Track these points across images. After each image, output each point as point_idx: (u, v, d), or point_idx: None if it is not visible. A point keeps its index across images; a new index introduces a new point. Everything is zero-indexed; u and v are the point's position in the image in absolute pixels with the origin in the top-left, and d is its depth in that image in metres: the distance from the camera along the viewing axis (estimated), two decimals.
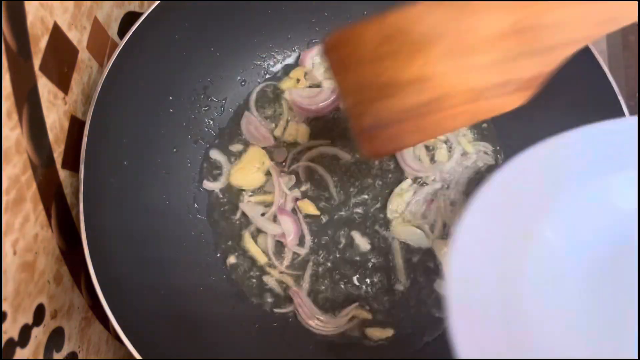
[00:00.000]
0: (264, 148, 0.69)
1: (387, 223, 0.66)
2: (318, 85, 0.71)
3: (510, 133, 0.68)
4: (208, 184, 0.67)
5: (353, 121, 0.47)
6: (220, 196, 0.67)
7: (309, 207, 0.66)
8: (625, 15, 0.39)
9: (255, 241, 0.66)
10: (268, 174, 0.68)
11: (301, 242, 0.65)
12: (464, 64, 0.41)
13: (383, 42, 0.40)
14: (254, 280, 0.65)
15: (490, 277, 0.36)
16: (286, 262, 0.65)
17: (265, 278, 0.65)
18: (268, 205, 0.67)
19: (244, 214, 0.66)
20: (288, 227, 0.65)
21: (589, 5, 0.39)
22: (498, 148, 0.69)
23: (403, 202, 0.66)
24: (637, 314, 0.34)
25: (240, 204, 0.67)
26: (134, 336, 0.50)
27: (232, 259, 0.65)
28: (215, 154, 0.68)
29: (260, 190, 0.68)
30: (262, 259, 0.65)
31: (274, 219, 0.66)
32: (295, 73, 0.71)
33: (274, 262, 0.65)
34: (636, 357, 0.33)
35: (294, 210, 0.66)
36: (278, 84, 0.71)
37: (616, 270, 0.37)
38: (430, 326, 0.63)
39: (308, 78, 0.71)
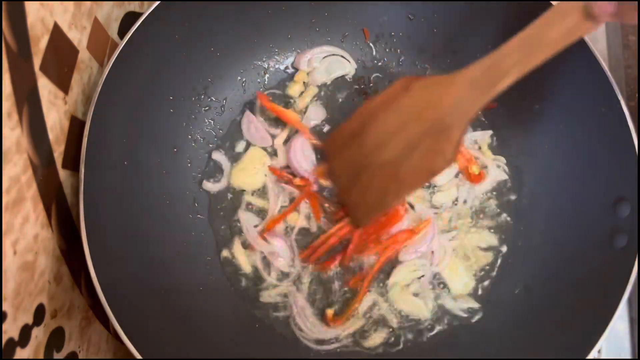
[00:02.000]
0: (263, 149, 0.69)
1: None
2: (322, 85, 0.71)
3: (511, 134, 0.68)
4: (208, 185, 0.67)
5: (341, 198, 0.65)
6: (221, 196, 0.67)
7: (300, 221, 0.66)
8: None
9: (245, 249, 0.65)
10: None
11: (292, 261, 0.65)
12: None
13: (349, 136, 0.61)
14: (254, 281, 0.65)
15: None
16: (274, 276, 0.65)
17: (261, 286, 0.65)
18: (263, 212, 0.67)
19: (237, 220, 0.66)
20: (279, 249, 0.65)
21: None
22: (504, 148, 0.69)
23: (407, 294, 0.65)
24: None
25: (239, 210, 0.67)
26: (134, 336, 0.50)
27: (231, 259, 0.65)
28: (217, 155, 0.68)
29: (260, 191, 0.68)
30: (247, 269, 0.65)
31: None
32: (299, 76, 0.71)
33: (262, 273, 0.65)
34: None
35: (287, 230, 0.66)
36: (286, 90, 0.71)
37: None
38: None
39: (311, 80, 0.71)
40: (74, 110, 0.54)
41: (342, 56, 0.72)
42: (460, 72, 0.52)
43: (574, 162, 0.62)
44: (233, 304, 0.63)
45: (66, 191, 0.53)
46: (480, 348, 0.61)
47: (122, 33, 0.64)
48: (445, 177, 0.68)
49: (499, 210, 0.67)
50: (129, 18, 0.66)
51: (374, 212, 0.61)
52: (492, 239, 0.67)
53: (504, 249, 0.66)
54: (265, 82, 0.71)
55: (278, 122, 0.70)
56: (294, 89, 0.71)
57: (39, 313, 0.46)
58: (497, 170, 0.68)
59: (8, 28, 0.41)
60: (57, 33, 0.49)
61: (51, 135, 0.49)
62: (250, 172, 0.67)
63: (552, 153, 0.65)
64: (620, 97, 0.56)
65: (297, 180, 0.67)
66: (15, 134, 0.43)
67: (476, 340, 0.62)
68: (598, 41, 0.80)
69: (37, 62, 0.46)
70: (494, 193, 0.68)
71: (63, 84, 0.52)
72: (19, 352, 0.43)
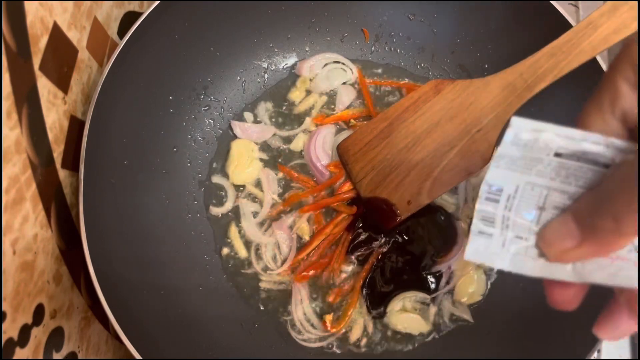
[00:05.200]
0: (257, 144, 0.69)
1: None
2: (324, 94, 0.71)
3: None
4: (215, 210, 0.67)
5: (365, 197, 0.63)
6: (221, 195, 0.67)
7: (305, 231, 0.66)
8: None
9: (240, 234, 0.66)
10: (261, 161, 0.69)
11: (282, 261, 0.65)
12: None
13: (374, 137, 0.62)
14: (254, 280, 0.65)
15: None
16: (260, 266, 0.65)
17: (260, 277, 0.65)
18: (260, 200, 0.67)
19: (236, 207, 0.67)
20: (281, 241, 0.65)
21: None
22: None
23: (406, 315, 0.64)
24: None
25: (240, 199, 0.67)
26: (134, 336, 0.50)
27: (230, 255, 0.65)
28: (216, 178, 0.68)
29: (257, 182, 0.68)
30: (243, 253, 0.65)
31: (264, 224, 0.66)
32: (301, 83, 0.71)
33: (252, 260, 0.65)
34: None
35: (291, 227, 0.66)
36: (288, 95, 0.71)
37: None
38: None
39: (313, 88, 0.71)
40: (73, 110, 0.54)
41: (343, 63, 0.72)
42: (494, 76, 0.55)
43: None
44: (233, 303, 0.63)
45: (65, 191, 0.53)
46: (480, 348, 0.61)
47: (121, 33, 0.64)
48: None
49: None
50: (129, 18, 0.66)
51: (405, 211, 0.62)
52: None
53: None
54: (265, 82, 0.71)
55: (281, 122, 0.70)
56: (295, 94, 0.71)
57: (39, 313, 0.46)
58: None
59: (7, 28, 0.41)
60: (56, 33, 0.49)
61: (51, 135, 0.49)
62: (244, 166, 0.67)
63: None
64: None
65: (306, 182, 0.67)
66: (14, 133, 0.43)
67: (476, 340, 0.62)
68: None
69: (36, 61, 0.46)
70: None
71: (62, 83, 0.52)
72: (18, 352, 0.43)
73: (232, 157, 0.67)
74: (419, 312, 0.63)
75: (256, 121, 0.70)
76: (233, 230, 0.66)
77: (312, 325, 0.63)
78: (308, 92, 0.71)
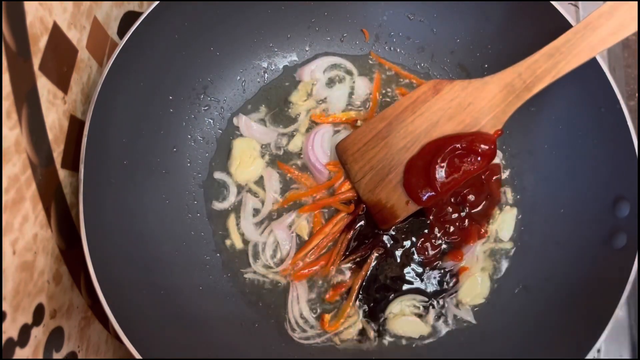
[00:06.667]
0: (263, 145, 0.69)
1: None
2: (324, 101, 0.71)
3: (511, 134, 0.68)
4: (218, 205, 0.67)
5: (366, 198, 0.64)
6: (223, 191, 0.67)
7: (303, 230, 0.66)
8: None
9: (238, 226, 0.66)
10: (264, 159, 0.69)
11: (282, 260, 0.65)
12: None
13: (373, 138, 0.62)
14: (254, 279, 0.65)
15: None
16: (260, 265, 0.65)
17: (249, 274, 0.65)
18: (262, 199, 0.67)
19: (238, 201, 0.67)
20: (281, 240, 0.65)
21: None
22: (504, 147, 0.69)
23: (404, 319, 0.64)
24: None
25: (243, 193, 0.67)
26: (133, 336, 0.50)
27: (229, 251, 0.65)
28: (218, 175, 0.68)
29: (259, 181, 0.68)
30: (238, 244, 0.66)
31: (263, 222, 0.66)
32: (303, 86, 0.71)
33: (249, 257, 0.65)
34: None
35: (290, 225, 0.66)
36: (289, 96, 0.71)
37: None
38: None
39: (314, 93, 0.71)
40: (73, 110, 0.54)
41: (343, 66, 0.72)
42: (493, 76, 0.56)
43: (574, 162, 0.62)
44: (233, 303, 0.63)
45: (65, 191, 0.53)
46: (480, 348, 0.61)
47: (121, 33, 0.64)
48: None
49: (499, 211, 0.67)
50: (129, 18, 0.66)
51: (405, 212, 0.61)
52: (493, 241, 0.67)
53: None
54: (265, 82, 0.71)
55: (282, 122, 0.70)
56: (296, 97, 0.71)
57: (38, 313, 0.46)
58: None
59: (7, 28, 0.41)
60: (56, 32, 0.49)
61: (50, 135, 0.49)
62: (247, 165, 0.67)
63: (552, 153, 0.65)
64: (620, 97, 0.56)
65: (306, 181, 0.67)
66: (14, 133, 0.43)
67: (476, 339, 0.62)
68: None
69: (36, 61, 0.46)
70: None
71: (62, 83, 0.52)
72: (18, 352, 0.43)
73: (235, 156, 0.67)
74: (418, 316, 0.63)
75: (256, 121, 0.70)
76: (231, 221, 0.66)
77: (308, 323, 0.63)
78: (309, 95, 0.71)
